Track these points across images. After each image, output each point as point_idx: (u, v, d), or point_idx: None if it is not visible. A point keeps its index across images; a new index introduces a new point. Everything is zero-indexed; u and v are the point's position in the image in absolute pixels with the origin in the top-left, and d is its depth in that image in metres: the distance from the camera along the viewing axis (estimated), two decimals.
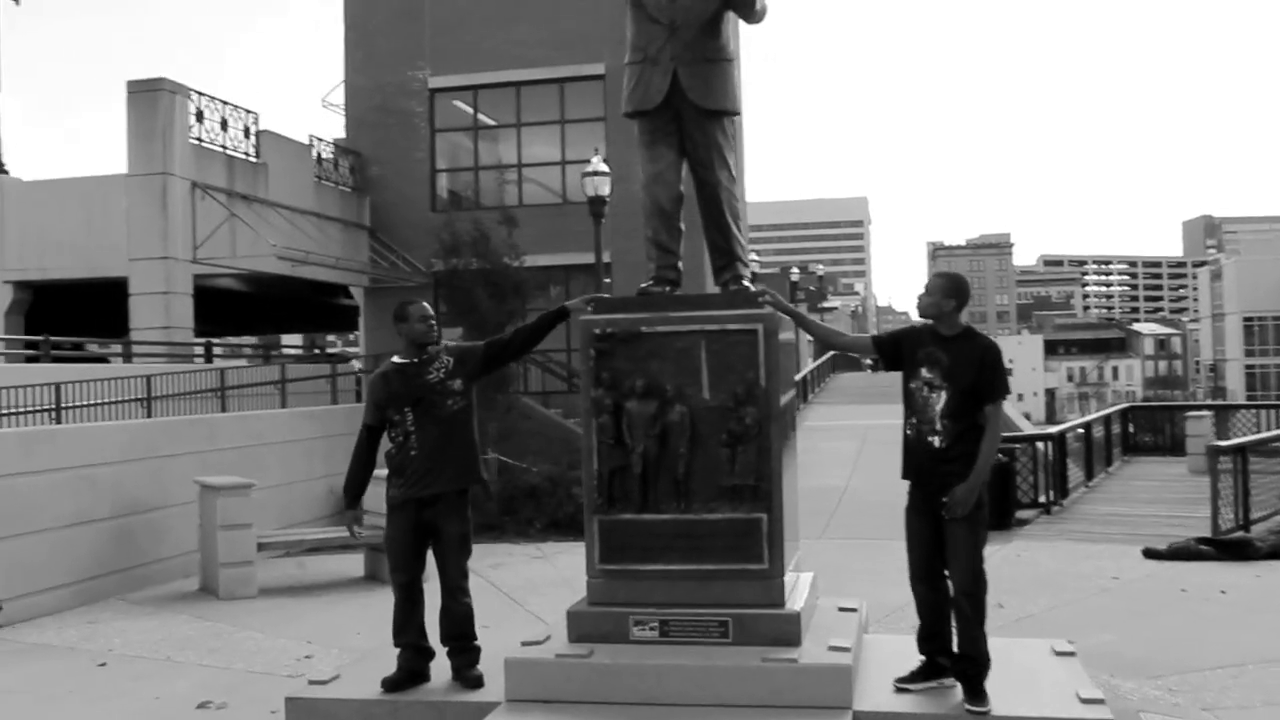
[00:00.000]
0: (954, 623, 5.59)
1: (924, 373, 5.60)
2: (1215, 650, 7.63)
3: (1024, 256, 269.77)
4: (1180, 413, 25.11)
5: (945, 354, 5.56)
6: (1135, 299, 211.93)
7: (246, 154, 20.92)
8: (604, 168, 15.36)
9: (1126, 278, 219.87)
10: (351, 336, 39.42)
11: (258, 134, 21.28)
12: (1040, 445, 16.34)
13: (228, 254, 19.36)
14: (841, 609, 6.52)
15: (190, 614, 9.89)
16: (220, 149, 20.14)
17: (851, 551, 11.57)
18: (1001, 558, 11.84)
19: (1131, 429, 24.17)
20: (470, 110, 25.31)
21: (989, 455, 5.56)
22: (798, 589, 6.00)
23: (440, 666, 6.09)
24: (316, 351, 37.20)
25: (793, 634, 5.64)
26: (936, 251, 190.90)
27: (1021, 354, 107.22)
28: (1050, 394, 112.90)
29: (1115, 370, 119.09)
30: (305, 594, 10.91)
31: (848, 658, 5.50)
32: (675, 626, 5.70)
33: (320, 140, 23.82)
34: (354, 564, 11.76)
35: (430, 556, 6.10)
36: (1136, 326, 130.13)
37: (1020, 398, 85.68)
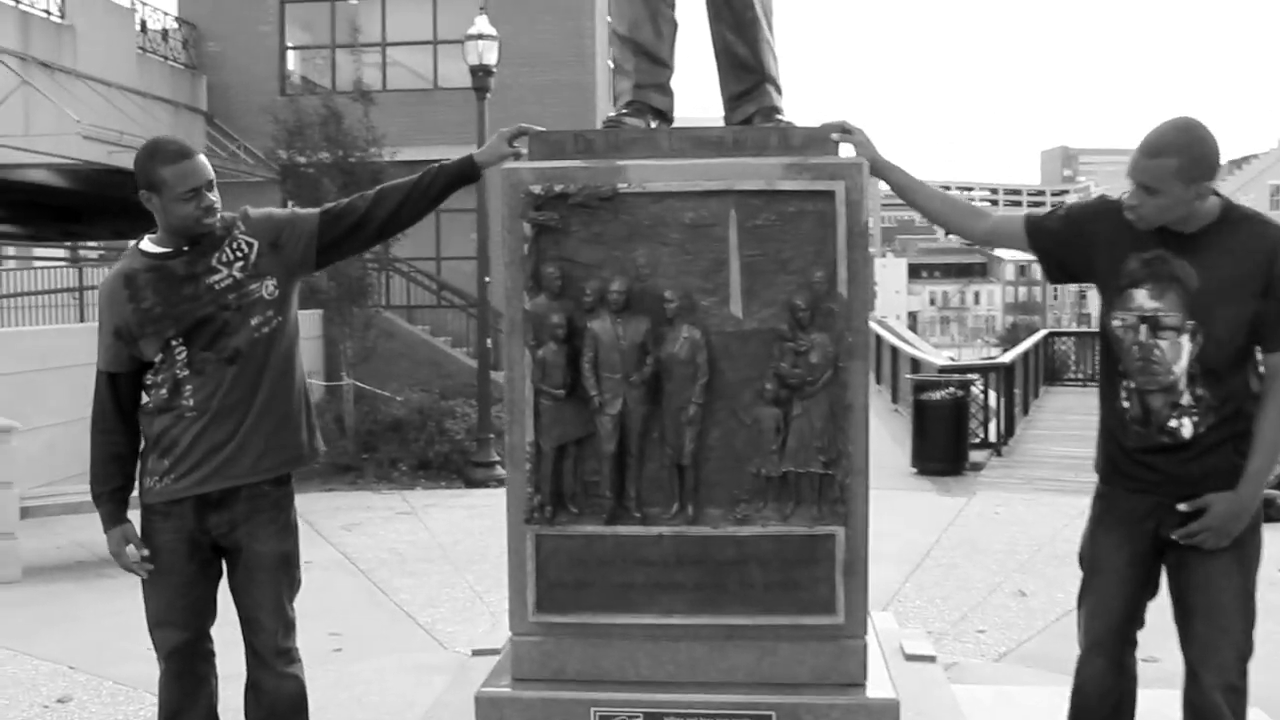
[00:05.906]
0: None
1: (1142, 299, 2.98)
2: None
3: None
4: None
5: (1190, 263, 2.93)
6: None
7: (48, 12, 17.44)
8: (491, 30, 12.53)
9: (988, 204, 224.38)
10: None
11: None
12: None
13: (20, 132, 15.93)
14: (910, 656, 4.09)
15: None
16: (12, 3, 16.63)
17: None
18: (977, 515, 10.01)
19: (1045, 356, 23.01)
20: None
21: (1277, 441, 2.98)
22: (872, 644, 3.50)
23: None
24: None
25: None
26: None
27: (886, 277, 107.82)
28: (913, 317, 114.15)
29: (976, 295, 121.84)
30: (86, 575, 8.03)
31: None
32: None
33: (145, 4, 20.35)
34: None
35: (225, 595, 3.43)
36: (998, 252, 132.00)
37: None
